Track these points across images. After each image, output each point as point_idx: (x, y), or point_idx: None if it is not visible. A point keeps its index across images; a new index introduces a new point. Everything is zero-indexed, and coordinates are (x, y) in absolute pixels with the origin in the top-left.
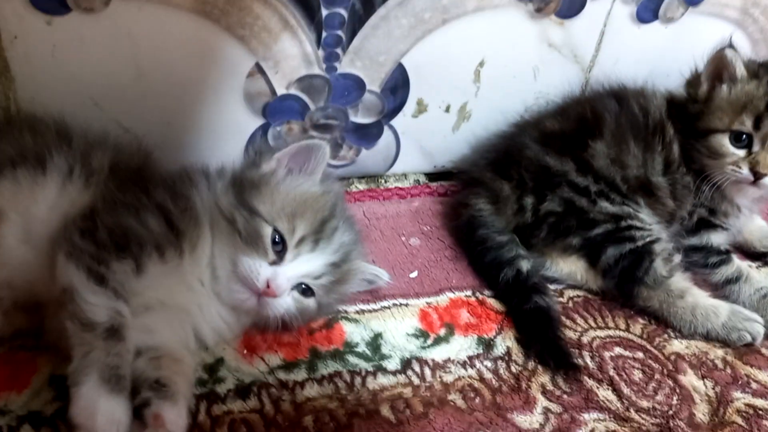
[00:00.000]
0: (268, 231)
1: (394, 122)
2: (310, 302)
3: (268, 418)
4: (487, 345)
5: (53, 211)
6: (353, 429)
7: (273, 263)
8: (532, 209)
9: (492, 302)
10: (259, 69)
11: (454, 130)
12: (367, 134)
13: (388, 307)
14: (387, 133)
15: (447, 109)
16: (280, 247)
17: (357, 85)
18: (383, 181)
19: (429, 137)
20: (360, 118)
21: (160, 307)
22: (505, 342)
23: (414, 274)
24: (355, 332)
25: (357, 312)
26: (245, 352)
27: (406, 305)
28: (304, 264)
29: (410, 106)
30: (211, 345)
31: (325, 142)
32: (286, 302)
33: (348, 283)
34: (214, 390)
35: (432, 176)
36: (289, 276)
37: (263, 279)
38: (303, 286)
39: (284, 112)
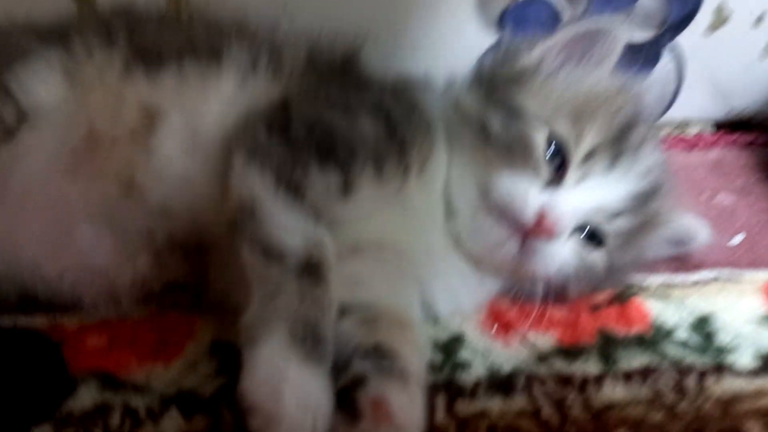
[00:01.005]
0: (540, 136)
1: (678, 41)
2: (597, 258)
3: (552, 427)
4: None
5: (228, 113)
6: None
7: (547, 185)
8: None
9: None
10: None
11: (764, 55)
12: (636, 60)
13: (709, 282)
14: (665, 59)
15: (759, 20)
16: (558, 163)
17: None
18: None
19: (725, 65)
20: (629, 34)
21: (375, 251)
22: None
23: (737, 240)
24: (665, 312)
25: (662, 285)
26: (495, 327)
27: (737, 280)
28: (597, 190)
29: (704, 15)
30: (443, 315)
31: (617, 22)
32: (563, 252)
33: (651, 235)
34: (455, 379)
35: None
36: (574, 206)
37: (534, 207)
38: (589, 229)
39: (527, 22)
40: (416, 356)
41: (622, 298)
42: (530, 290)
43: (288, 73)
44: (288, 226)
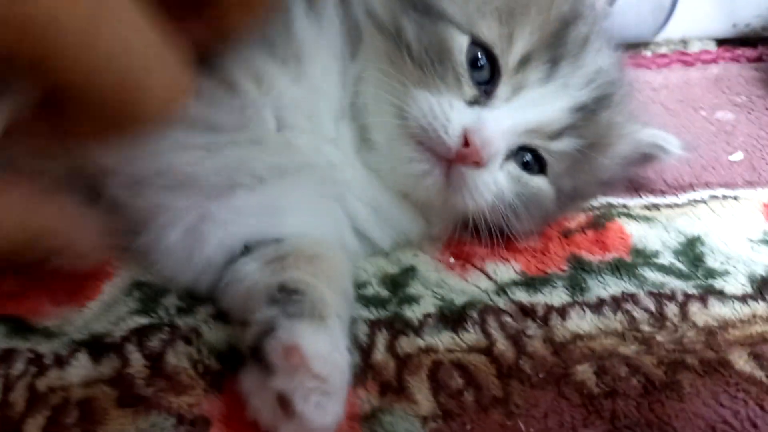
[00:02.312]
0: (461, 42)
1: None
2: (540, 184)
3: (504, 363)
4: None
5: None
6: (682, 390)
7: (473, 103)
8: None
9: None
10: None
11: None
12: None
13: (703, 201)
14: None
15: None
16: (486, 76)
17: None
18: (647, 51)
19: None
20: None
21: (297, 174)
22: None
23: (737, 157)
24: (648, 235)
25: (646, 207)
26: (452, 261)
27: (735, 198)
28: (533, 104)
29: None
30: (386, 248)
31: None
32: (497, 180)
33: (604, 156)
34: (401, 314)
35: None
36: (505, 125)
37: (457, 128)
38: (526, 151)
39: None
40: (331, 291)
41: (600, 222)
42: (476, 226)
43: None
44: None
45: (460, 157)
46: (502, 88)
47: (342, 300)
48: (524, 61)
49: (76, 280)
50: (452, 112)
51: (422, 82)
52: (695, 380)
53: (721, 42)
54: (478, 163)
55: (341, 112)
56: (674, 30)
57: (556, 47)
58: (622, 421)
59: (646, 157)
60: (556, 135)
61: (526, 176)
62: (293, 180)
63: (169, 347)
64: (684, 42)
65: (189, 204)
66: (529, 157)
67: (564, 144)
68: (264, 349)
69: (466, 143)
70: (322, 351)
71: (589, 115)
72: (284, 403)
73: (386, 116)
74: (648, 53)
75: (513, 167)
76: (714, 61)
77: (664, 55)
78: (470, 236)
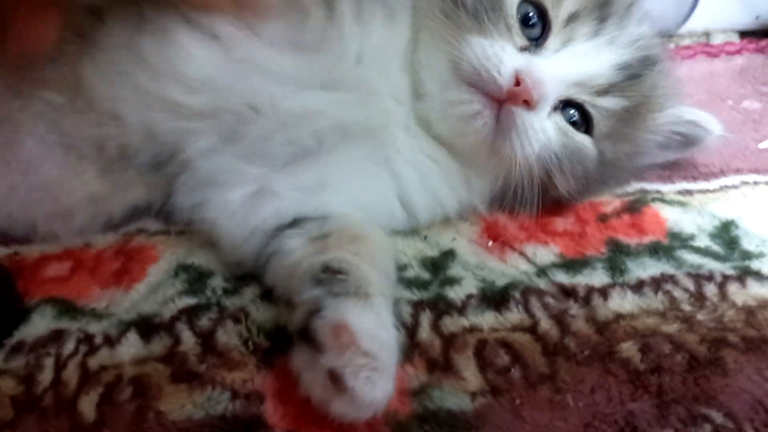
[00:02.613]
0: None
1: None
2: (583, 141)
3: (549, 341)
4: None
5: None
6: (726, 366)
7: (524, 50)
8: None
9: None
10: None
11: None
12: None
13: (735, 186)
14: None
15: None
16: (537, 32)
17: None
18: (671, 43)
19: None
20: None
21: (343, 143)
22: None
23: (766, 144)
24: (682, 219)
25: (679, 192)
26: (490, 243)
27: (766, 183)
28: (581, 57)
29: None
30: (424, 220)
31: None
32: (544, 126)
33: (646, 122)
34: (443, 295)
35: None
36: (553, 71)
37: (509, 68)
38: (574, 106)
39: None
40: (374, 270)
41: (635, 206)
42: (518, 187)
43: None
44: None
45: (511, 96)
46: (552, 40)
47: (385, 279)
48: (573, 17)
49: (122, 264)
50: (504, 55)
51: (476, 30)
52: (738, 357)
53: (744, 34)
54: (528, 103)
55: (405, 65)
56: (697, 22)
57: (603, 7)
58: (669, 395)
59: (687, 139)
60: (603, 91)
61: (571, 130)
62: (348, 147)
63: (218, 326)
64: (707, 34)
65: (256, 173)
66: (576, 116)
67: (610, 102)
68: (312, 328)
69: (517, 83)
70: (370, 328)
71: (634, 77)
72: (335, 380)
73: (439, 63)
74: (672, 45)
75: (560, 119)
76: (738, 52)
77: (688, 47)
78: (508, 208)
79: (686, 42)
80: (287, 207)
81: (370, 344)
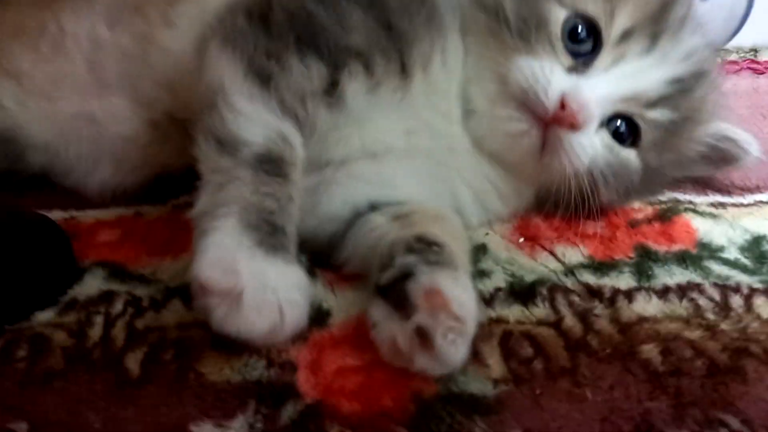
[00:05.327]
0: (558, 15)
1: None
2: (628, 156)
3: (572, 337)
4: None
5: None
6: (746, 375)
7: (572, 70)
8: None
9: None
10: None
11: None
12: None
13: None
14: None
15: None
16: (587, 48)
17: None
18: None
19: None
20: None
21: (399, 155)
22: None
23: None
24: (713, 231)
25: (712, 205)
26: (521, 240)
27: None
28: (630, 76)
29: None
30: (474, 224)
31: None
32: (591, 145)
33: (691, 133)
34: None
35: None
36: (600, 93)
37: (556, 91)
38: (621, 120)
39: None
40: (460, 247)
41: (667, 215)
42: (562, 196)
43: None
44: (248, 116)
45: (556, 119)
46: (603, 59)
47: (465, 257)
48: (627, 34)
49: (171, 234)
50: (552, 76)
51: (522, 48)
52: (759, 367)
53: None
54: (573, 126)
55: (460, 90)
56: (745, 38)
57: (657, 23)
58: (687, 397)
59: (725, 156)
60: (652, 104)
61: (617, 146)
62: (411, 162)
63: None
64: (755, 50)
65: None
66: (623, 126)
67: (658, 114)
68: (405, 290)
69: (563, 106)
70: (459, 296)
71: (685, 90)
72: (423, 337)
73: (487, 83)
74: (718, 60)
75: (606, 135)
76: None
77: (734, 62)
78: (549, 210)
79: (733, 57)
80: (356, 195)
81: (460, 310)
